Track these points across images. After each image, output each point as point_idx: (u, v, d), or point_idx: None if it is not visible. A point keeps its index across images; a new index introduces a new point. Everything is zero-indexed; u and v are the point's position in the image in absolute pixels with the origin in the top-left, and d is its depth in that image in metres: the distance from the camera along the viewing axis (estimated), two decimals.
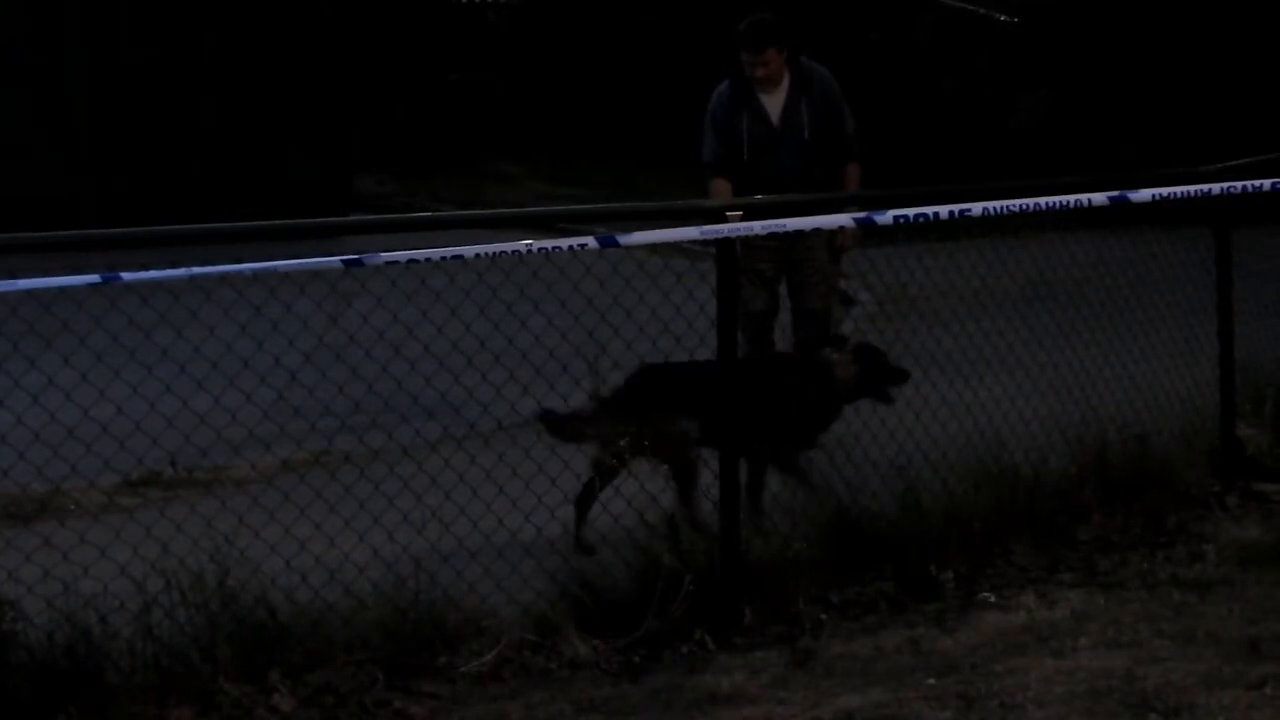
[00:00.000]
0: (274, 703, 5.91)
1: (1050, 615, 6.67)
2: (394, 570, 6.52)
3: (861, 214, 7.06)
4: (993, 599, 6.92)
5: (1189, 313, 9.05)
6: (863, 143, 9.12)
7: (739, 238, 6.86)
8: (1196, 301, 8.95)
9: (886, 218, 6.80)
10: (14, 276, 5.69)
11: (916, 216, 6.80)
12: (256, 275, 5.99)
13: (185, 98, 19.94)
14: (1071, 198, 6.91)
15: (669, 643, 6.44)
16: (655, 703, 5.97)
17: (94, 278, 5.76)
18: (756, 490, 7.90)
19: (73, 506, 8.13)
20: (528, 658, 6.31)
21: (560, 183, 22.72)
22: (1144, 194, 7.04)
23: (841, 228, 7.94)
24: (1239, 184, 7.29)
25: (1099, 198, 6.98)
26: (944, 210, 6.83)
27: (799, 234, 8.23)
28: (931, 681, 6.01)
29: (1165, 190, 7.13)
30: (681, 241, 7.04)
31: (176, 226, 6.95)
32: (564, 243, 6.35)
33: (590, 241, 6.45)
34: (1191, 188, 7.33)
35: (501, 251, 6.21)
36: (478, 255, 6.20)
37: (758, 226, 6.89)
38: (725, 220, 6.73)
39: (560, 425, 7.74)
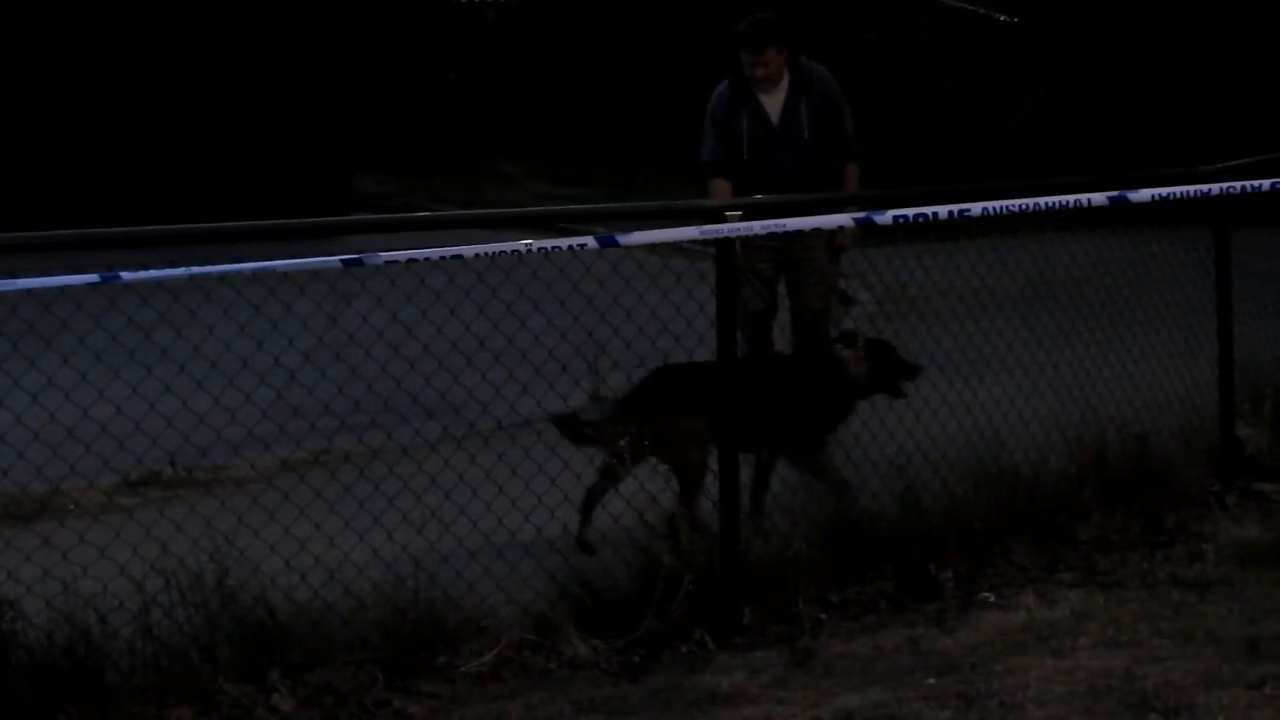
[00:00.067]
0: (274, 702, 5.91)
1: (1050, 615, 6.67)
2: (394, 570, 6.52)
3: (861, 214, 7.06)
4: (992, 599, 6.92)
5: (1188, 313, 9.05)
6: (863, 143, 9.12)
7: (738, 237, 6.86)
8: (1196, 301, 8.94)
9: (886, 218, 6.80)
10: (14, 276, 5.69)
11: (916, 216, 6.80)
12: (256, 275, 5.99)
13: (185, 98, 19.95)
14: (1071, 198, 6.91)
15: (669, 642, 6.44)
16: (655, 702, 5.97)
17: (93, 277, 5.76)
18: (761, 490, 7.90)
19: (72, 506, 8.14)
20: (527, 658, 6.31)
21: (560, 183, 22.73)
22: (1143, 194, 7.04)
23: (841, 227, 7.93)
24: (1238, 184, 7.28)
25: (1098, 198, 6.98)
26: (943, 210, 6.83)
27: (798, 234, 8.23)
28: (931, 681, 6.01)
29: (1165, 190, 7.13)
30: (681, 241, 7.05)
31: (176, 226, 6.94)
32: (563, 242, 6.35)
33: (589, 241, 6.45)
34: (1191, 188, 7.33)
35: (501, 251, 6.20)
36: (477, 255, 6.20)
37: (757, 226, 6.89)
38: (725, 220, 6.73)
39: (577, 429, 7.71)
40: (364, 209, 19.82)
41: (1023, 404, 8.33)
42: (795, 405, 7.77)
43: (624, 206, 9.50)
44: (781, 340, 8.98)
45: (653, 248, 8.07)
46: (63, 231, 6.05)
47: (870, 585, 6.97)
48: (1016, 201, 6.91)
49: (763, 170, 8.69)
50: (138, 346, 7.73)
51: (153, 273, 5.92)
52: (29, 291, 5.68)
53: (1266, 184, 7.11)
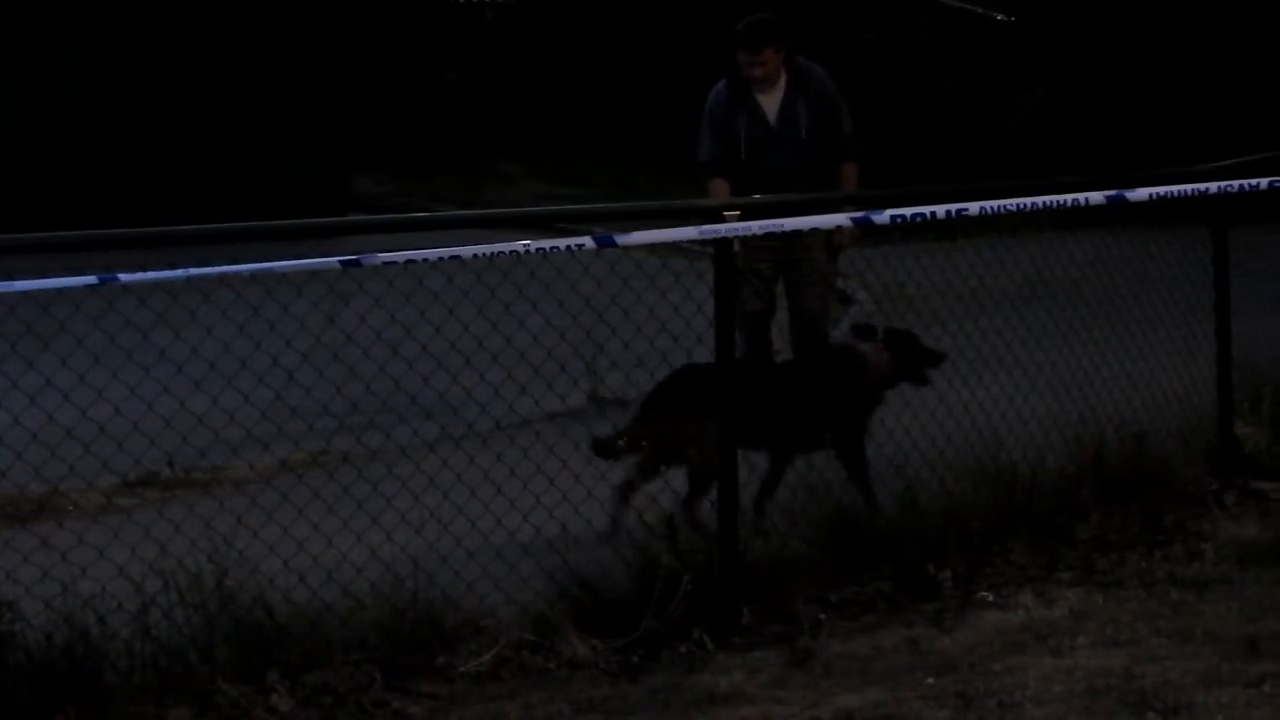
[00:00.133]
0: (272, 703, 5.91)
1: (1048, 614, 6.67)
2: (392, 570, 6.52)
3: (859, 213, 7.06)
4: (991, 598, 6.92)
5: (1187, 311, 9.04)
6: (862, 143, 9.12)
7: (736, 237, 6.86)
8: (1194, 300, 8.94)
9: (884, 217, 6.80)
10: (11, 278, 5.70)
11: (914, 216, 6.80)
12: (254, 276, 5.99)
13: (185, 98, 19.96)
14: (1068, 197, 6.91)
15: (667, 642, 6.44)
16: (654, 702, 5.97)
17: (91, 279, 5.76)
18: (770, 490, 7.88)
19: (70, 507, 8.13)
20: (526, 657, 6.31)
21: (559, 183, 22.73)
22: (1141, 193, 7.04)
23: (839, 227, 7.93)
24: (1236, 183, 7.28)
25: (1096, 197, 6.98)
26: (941, 210, 6.83)
27: (797, 233, 8.23)
28: (930, 681, 6.01)
29: (1162, 189, 7.13)
30: (679, 241, 7.04)
31: (176, 227, 6.94)
32: (562, 243, 6.35)
33: (588, 241, 6.45)
34: (1188, 187, 7.33)
35: (499, 251, 6.20)
36: (476, 255, 6.20)
37: (755, 226, 6.89)
38: (723, 220, 6.73)
39: (612, 448, 7.76)
40: (363, 209, 19.82)
41: (1021, 403, 8.33)
42: (818, 405, 7.76)
43: (623, 206, 9.51)
44: (780, 340, 8.99)
45: (651, 247, 8.06)
46: (62, 232, 6.06)
47: (869, 585, 6.97)
48: (1014, 201, 6.91)
49: (761, 170, 8.70)
50: (136, 347, 7.71)
51: (150, 274, 5.92)
52: (27, 293, 5.68)
53: (1264, 183, 7.11)
